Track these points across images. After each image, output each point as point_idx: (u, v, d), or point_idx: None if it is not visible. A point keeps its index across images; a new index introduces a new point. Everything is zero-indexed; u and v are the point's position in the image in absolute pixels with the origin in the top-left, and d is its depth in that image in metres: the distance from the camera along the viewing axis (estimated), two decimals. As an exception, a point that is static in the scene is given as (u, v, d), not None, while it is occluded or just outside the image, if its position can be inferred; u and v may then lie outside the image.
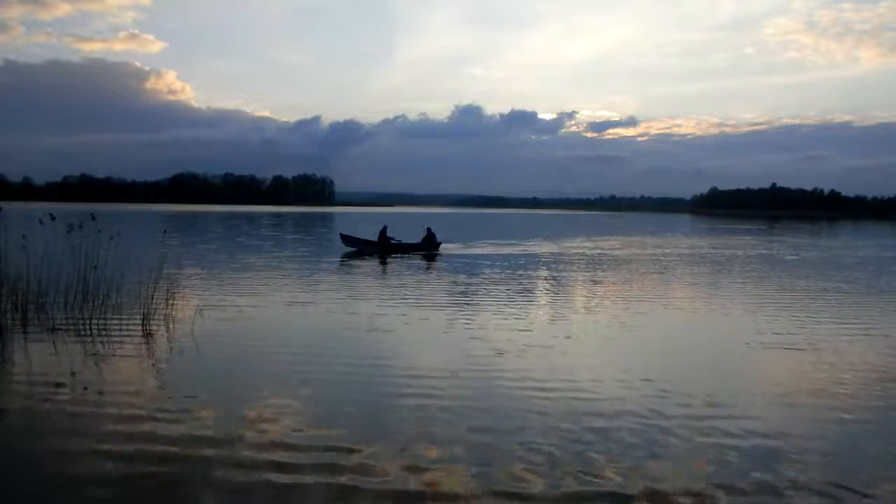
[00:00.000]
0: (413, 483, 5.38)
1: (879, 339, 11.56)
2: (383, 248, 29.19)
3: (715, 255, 31.14)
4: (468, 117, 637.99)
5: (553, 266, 24.87)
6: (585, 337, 11.43)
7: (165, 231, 27.21)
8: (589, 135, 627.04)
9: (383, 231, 29.97)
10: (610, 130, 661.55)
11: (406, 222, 35.80)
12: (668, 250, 34.42)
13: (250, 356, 9.69)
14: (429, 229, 30.63)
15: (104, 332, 10.88)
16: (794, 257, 30.57)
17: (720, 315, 14.06)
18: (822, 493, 5.29)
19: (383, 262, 24.76)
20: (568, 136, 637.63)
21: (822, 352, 10.36)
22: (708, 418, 7.03)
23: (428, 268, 23.03)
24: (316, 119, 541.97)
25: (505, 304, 14.71)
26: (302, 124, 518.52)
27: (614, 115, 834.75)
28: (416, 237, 30.81)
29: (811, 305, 15.40)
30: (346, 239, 30.77)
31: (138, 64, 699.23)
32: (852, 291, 18.24)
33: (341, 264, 24.13)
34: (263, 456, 5.86)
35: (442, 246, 30.46)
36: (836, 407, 7.52)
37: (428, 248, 29.77)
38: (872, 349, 10.69)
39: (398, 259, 26.25)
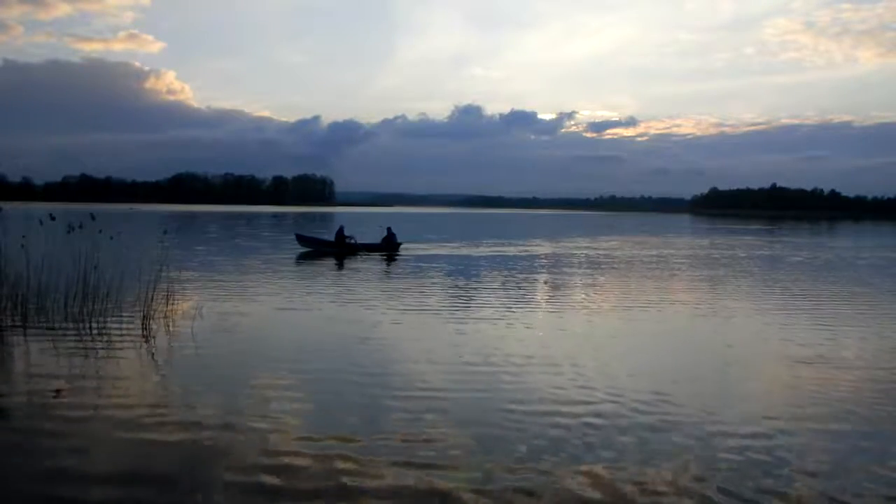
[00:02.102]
0: (411, 484, 5.39)
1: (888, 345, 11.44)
2: (340, 249, 28.63)
3: (718, 257, 31.05)
4: (468, 117, 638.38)
5: (552, 268, 24.87)
6: (579, 339, 11.43)
7: (165, 231, 27.11)
8: (588, 135, 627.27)
9: (340, 231, 29.59)
10: (609, 130, 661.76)
11: (393, 223, 35.57)
12: (670, 251, 34.37)
13: (249, 357, 9.71)
14: (389, 229, 30.38)
15: (104, 333, 10.88)
16: (799, 259, 30.20)
17: (721, 318, 13.99)
18: None
19: (357, 263, 24.46)
20: (568, 136, 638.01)
21: (829, 356, 10.26)
22: (702, 425, 7.02)
23: (421, 270, 23.01)
24: (316, 119, 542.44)
25: (503, 308, 14.63)
26: (302, 124, 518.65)
27: (614, 115, 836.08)
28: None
29: (820, 309, 15.24)
30: (302, 239, 30.37)
31: (138, 64, 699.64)
32: (865, 294, 17.73)
33: (331, 266, 24.10)
34: (263, 456, 5.87)
35: (402, 246, 29.98)
36: (845, 417, 7.45)
37: (387, 248, 29.27)
38: (880, 354, 10.52)
39: (386, 260, 26.15)
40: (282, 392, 7.79)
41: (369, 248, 29.34)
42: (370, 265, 23.72)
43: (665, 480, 5.48)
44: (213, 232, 46.80)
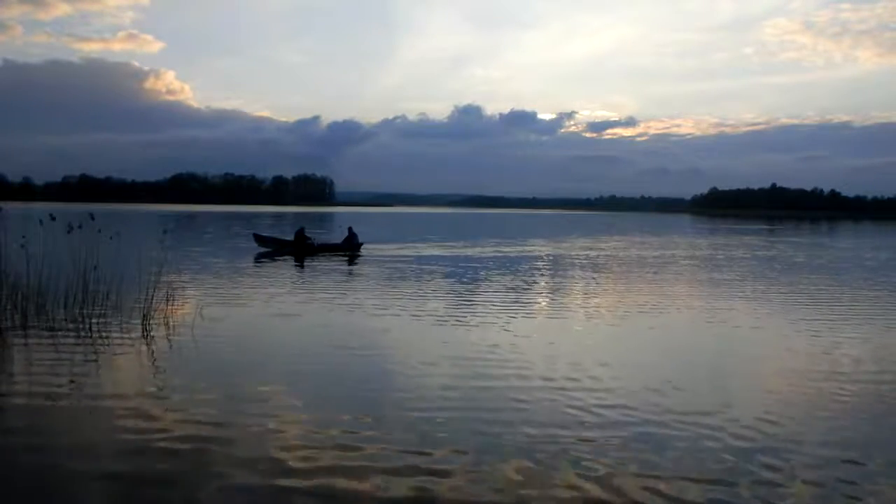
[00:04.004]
0: (412, 482, 5.38)
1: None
2: (299, 249, 28.26)
3: (722, 258, 30.90)
4: (468, 117, 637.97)
5: (553, 269, 24.83)
6: (575, 344, 11.39)
7: (165, 231, 27.08)
8: (588, 135, 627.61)
9: (300, 231, 29.33)
10: (609, 130, 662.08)
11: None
12: (671, 252, 34.26)
13: (250, 357, 9.70)
14: (350, 229, 30.19)
15: (104, 333, 10.86)
16: (803, 260, 29.58)
17: (727, 323, 13.84)
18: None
19: (308, 263, 24.19)
20: (567, 136, 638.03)
21: (832, 360, 10.21)
22: (701, 430, 7.00)
23: (412, 272, 22.97)
24: (315, 119, 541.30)
25: (497, 313, 14.41)
26: (301, 124, 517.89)
27: (613, 115, 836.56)
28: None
29: (827, 311, 15.12)
30: (260, 239, 30.03)
31: (137, 64, 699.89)
32: (872, 297, 17.31)
33: (311, 267, 24.06)
34: (263, 456, 5.87)
35: (363, 247, 29.58)
36: (846, 424, 7.44)
37: (348, 248, 28.92)
38: (885, 359, 10.39)
39: (348, 260, 25.85)
40: (280, 395, 7.77)
41: (330, 249, 29.07)
42: (361, 268, 23.67)
43: (662, 485, 5.47)
44: (211, 232, 46.75)
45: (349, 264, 24.26)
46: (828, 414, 7.40)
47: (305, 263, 24.09)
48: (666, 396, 7.78)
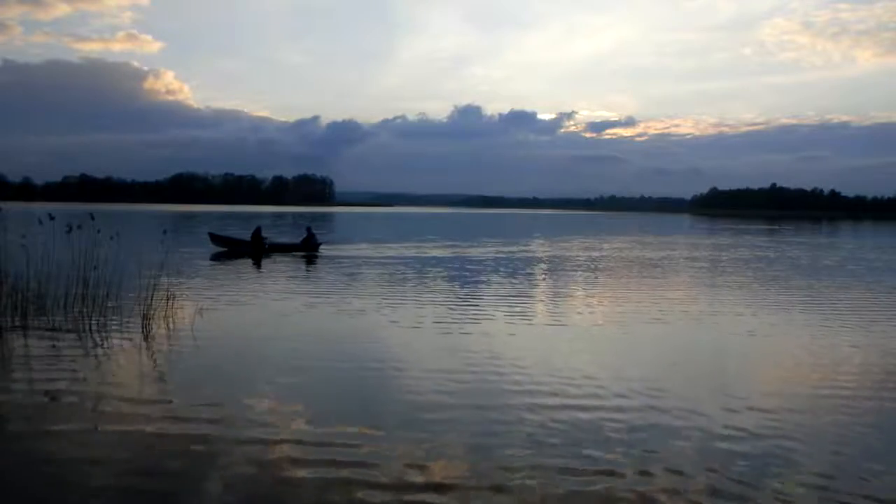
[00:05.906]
0: (413, 477, 5.38)
1: None
2: (255, 249, 28.12)
3: (726, 259, 30.73)
4: (468, 117, 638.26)
5: (553, 271, 24.79)
6: (568, 347, 11.36)
7: (165, 231, 27.07)
8: (588, 135, 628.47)
9: (257, 231, 29.23)
10: (609, 130, 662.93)
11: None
12: (674, 253, 34.15)
13: (250, 356, 9.69)
14: (308, 229, 30.17)
15: (104, 333, 10.84)
16: (806, 261, 29.07)
17: (721, 324, 13.87)
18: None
19: (306, 264, 24.07)
20: (567, 136, 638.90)
21: (835, 363, 10.23)
22: (700, 431, 6.99)
23: (402, 274, 22.93)
24: (315, 119, 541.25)
25: (503, 314, 14.45)
26: (301, 124, 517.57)
27: (613, 116, 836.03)
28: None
29: (832, 312, 15.10)
30: (215, 238, 29.90)
31: (136, 64, 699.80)
32: (882, 299, 17.08)
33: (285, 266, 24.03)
34: (263, 454, 5.86)
35: (322, 247, 29.43)
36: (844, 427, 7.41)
37: (306, 248, 28.82)
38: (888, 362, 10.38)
39: (305, 260, 25.77)
40: (278, 400, 7.73)
41: (288, 248, 29.03)
42: (360, 269, 23.66)
43: (661, 484, 5.47)
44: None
45: (307, 264, 24.07)
46: (819, 425, 7.32)
47: (305, 264, 24.09)
48: (658, 407, 7.63)
